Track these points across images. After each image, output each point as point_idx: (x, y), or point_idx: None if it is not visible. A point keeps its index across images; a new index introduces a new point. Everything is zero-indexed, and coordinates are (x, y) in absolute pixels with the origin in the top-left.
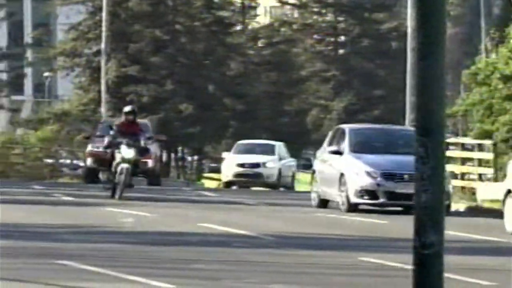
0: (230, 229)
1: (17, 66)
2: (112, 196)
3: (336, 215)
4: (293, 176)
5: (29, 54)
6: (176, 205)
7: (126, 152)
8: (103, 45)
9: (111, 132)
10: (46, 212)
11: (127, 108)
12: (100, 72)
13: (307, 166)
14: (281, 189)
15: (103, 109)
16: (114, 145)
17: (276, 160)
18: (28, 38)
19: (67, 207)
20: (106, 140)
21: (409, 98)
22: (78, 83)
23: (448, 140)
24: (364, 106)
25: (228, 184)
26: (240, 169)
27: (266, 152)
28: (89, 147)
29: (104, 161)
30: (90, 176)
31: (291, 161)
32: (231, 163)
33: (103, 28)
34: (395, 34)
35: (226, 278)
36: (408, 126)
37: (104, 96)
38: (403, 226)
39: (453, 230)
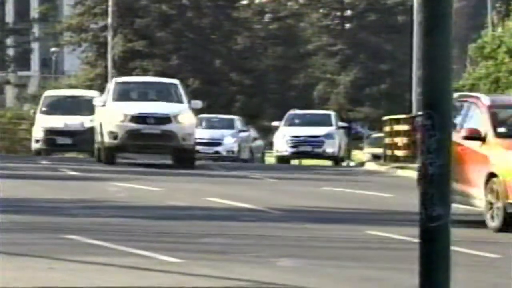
0: (237, 203)
1: (24, 42)
2: None
3: (342, 189)
4: None
5: (35, 30)
6: (183, 179)
7: None
8: (109, 20)
9: None
10: (53, 186)
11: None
12: (107, 47)
13: None
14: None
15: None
16: None
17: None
18: (34, 13)
19: (74, 181)
20: None
21: (416, 72)
22: (84, 58)
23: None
24: (371, 80)
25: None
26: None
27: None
28: None
29: None
30: None
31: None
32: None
33: (110, 3)
34: (402, 8)
35: (233, 252)
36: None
37: (110, 71)
38: (409, 200)
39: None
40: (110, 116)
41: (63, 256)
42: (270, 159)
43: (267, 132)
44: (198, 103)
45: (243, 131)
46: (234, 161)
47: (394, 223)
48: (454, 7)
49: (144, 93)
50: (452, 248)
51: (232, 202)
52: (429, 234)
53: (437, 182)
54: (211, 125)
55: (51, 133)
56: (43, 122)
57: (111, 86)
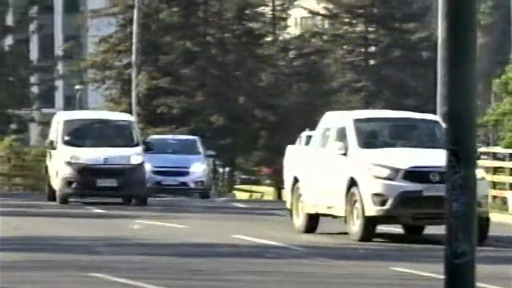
0: (262, 240)
1: (48, 79)
2: None
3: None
4: None
5: (60, 67)
6: (209, 216)
7: None
8: (133, 57)
9: None
10: (78, 224)
11: None
12: (131, 84)
13: None
14: None
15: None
16: None
17: None
18: (59, 51)
19: (98, 219)
20: None
21: (440, 108)
22: (108, 96)
23: (479, 150)
24: None
25: None
26: None
27: None
28: None
29: None
30: None
31: None
32: None
33: (134, 40)
34: (426, 44)
35: None
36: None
37: (135, 108)
38: (432, 236)
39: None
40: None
41: None
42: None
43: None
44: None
45: (211, 155)
46: (204, 195)
47: (421, 260)
48: (478, 42)
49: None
50: (478, 284)
51: (257, 239)
52: (454, 271)
53: (462, 219)
54: (168, 149)
55: (87, 172)
56: (69, 156)
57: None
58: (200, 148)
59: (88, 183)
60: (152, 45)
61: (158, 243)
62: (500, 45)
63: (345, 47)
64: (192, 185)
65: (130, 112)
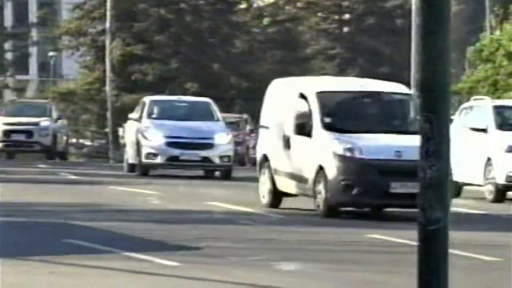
0: (236, 206)
1: (22, 46)
2: None
3: None
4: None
5: (34, 34)
6: (183, 183)
7: None
8: (107, 24)
9: None
10: (53, 190)
11: None
12: (105, 51)
13: None
14: None
15: (108, 88)
16: None
17: None
18: (33, 18)
19: (73, 185)
20: None
21: (414, 75)
22: (83, 62)
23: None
24: None
25: None
26: None
27: None
28: None
29: None
30: None
31: None
32: None
33: (108, 7)
34: (400, 11)
35: (232, 256)
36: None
37: (109, 75)
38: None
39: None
40: None
41: (63, 259)
42: None
43: None
44: None
45: (60, 118)
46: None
47: (394, 227)
48: (453, 10)
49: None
50: (450, 251)
51: (231, 205)
52: (428, 237)
53: (436, 186)
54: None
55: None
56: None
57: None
58: (218, 114)
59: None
60: (126, 12)
61: (132, 209)
62: (474, 13)
63: (319, 14)
64: (216, 161)
65: (104, 79)
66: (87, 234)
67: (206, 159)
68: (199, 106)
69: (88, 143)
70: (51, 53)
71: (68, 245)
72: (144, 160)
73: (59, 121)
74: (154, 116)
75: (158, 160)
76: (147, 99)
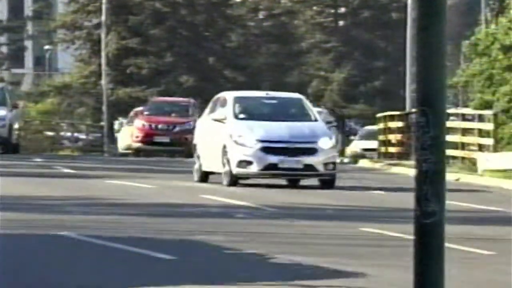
0: (232, 200)
1: (18, 39)
2: None
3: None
4: None
5: (29, 27)
6: (177, 177)
7: None
8: (103, 18)
9: None
10: (47, 184)
11: None
12: (101, 44)
13: None
14: None
15: (103, 81)
16: None
17: None
18: (28, 11)
19: (68, 179)
20: None
21: (410, 69)
22: (78, 56)
23: (448, 111)
24: (365, 77)
25: None
26: None
27: None
28: None
29: None
30: None
31: None
32: None
33: (103, 1)
34: (396, 5)
35: (228, 249)
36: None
37: (104, 68)
38: (403, 197)
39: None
40: None
41: (56, 253)
42: None
43: None
44: None
45: (15, 107)
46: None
47: (389, 220)
48: (448, 4)
49: None
50: (446, 244)
51: (227, 199)
52: (424, 231)
53: (432, 179)
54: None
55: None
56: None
57: None
58: (315, 112)
59: None
60: (121, 6)
61: (127, 203)
62: (469, 7)
63: (314, 8)
64: (320, 169)
65: (99, 72)
66: (80, 227)
67: (309, 167)
68: (291, 103)
69: (83, 136)
70: (46, 47)
71: (61, 238)
72: (235, 168)
73: (14, 110)
74: (242, 116)
75: (253, 169)
76: (228, 95)
